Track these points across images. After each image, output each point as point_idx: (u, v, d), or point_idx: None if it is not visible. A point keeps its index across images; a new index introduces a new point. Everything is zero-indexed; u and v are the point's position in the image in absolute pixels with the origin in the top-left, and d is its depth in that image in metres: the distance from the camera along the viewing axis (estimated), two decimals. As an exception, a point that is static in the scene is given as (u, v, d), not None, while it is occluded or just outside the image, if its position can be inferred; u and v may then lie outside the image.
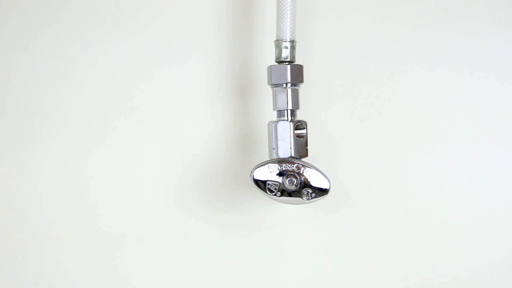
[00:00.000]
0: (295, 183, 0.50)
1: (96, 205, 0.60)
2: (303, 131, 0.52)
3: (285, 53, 0.51)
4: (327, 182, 0.49)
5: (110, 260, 0.60)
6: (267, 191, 0.50)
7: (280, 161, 0.50)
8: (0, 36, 0.59)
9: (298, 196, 0.50)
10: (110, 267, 0.60)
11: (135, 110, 0.59)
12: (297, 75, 0.51)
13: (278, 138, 0.51)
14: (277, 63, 0.51)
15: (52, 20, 0.59)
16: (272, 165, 0.50)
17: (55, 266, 0.60)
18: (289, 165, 0.50)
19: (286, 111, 0.51)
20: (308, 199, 0.50)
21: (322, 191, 0.50)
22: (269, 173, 0.50)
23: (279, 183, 0.50)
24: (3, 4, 0.59)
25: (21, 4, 0.59)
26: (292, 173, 0.50)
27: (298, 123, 0.51)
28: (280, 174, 0.50)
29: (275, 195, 0.50)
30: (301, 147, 0.51)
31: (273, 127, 0.51)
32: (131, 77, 0.59)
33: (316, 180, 0.50)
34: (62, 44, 0.59)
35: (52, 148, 0.59)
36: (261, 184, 0.50)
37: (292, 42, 0.51)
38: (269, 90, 0.53)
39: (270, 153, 0.52)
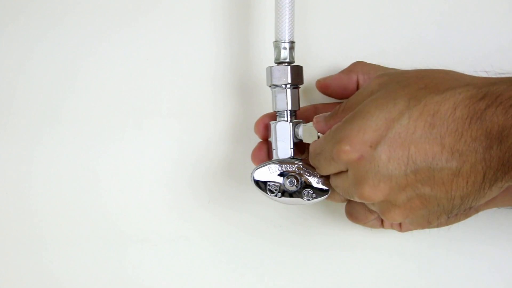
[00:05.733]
0: (295, 183, 0.50)
1: (97, 205, 0.60)
2: (303, 131, 0.52)
3: (284, 54, 0.51)
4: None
5: (111, 260, 0.60)
6: (268, 192, 0.50)
7: (281, 161, 0.50)
8: (4, 38, 0.59)
9: (299, 197, 0.50)
10: (111, 267, 0.60)
11: (135, 111, 0.59)
12: (297, 75, 0.51)
13: (278, 139, 0.51)
14: (276, 64, 0.51)
15: (54, 22, 0.59)
16: (273, 166, 0.50)
17: (55, 266, 0.60)
18: (290, 166, 0.50)
19: (285, 112, 0.51)
20: (308, 200, 0.50)
21: (322, 192, 0.50)
22: (270, 174, 0.50)
23: (280, 184, 0.50)
24: (6, 7, 0.59)
25: (23, 8, 0.59)
26: (292, 173, 0.50)
27: (298, 124, 0.51)
28: (281, 175, 0.50)
29: (276, 196, 0.50)
30: (301, 148, 0.51)
31: (272, 127, 0.51)
32: (131, 78, 0.59)
33: (316, 180, 0.50)
34: (64, 46, 0.59)
35: (52, 148, 0.59)
36: (262, 185, 0.50)
37: (291, 43, 0.51)
38: (268, 90, 0.53)
39: (270, 154, 0.52)
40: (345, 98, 0.48)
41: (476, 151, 0.40)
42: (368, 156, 0.42)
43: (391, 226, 0.52)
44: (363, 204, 0.50)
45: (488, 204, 0.50)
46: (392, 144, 0.41)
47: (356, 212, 0.51)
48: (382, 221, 0.52)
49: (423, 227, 0.46)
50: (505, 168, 0.40)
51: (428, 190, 0.42)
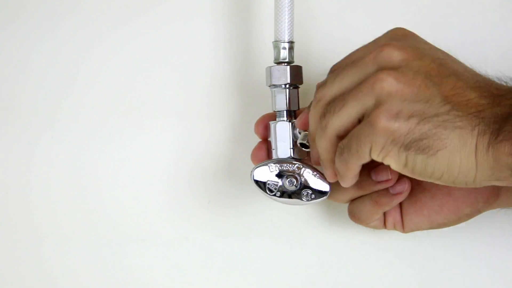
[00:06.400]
0: (295, 183, 0.50)
1: (96, 205, 0.60)
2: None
3: (284, 54, 0.51)
4: (327, 183, 0.49)
5: (111, 260, 0.60)
6: (267, 191, 0.50)
7: (280, 161, 0.50)
8: (4, 38, 0.59)
9: (298, 197, 0.50)
10: (110, 266, 0.60)
11: (134, 111, 0.59)
12: (296, 75, 0.51)
13: (278, 138, 0.51)
14: (275, 64, 0.51)
15: (54, 22, 0.59)
16: (272, 165, 0.50)
17: (54, 265, 0.60)
18: (289, 166, 0.50)
19: (285, 112, 0.51)
20: (307, 200, 0.50)
21: (322, 193, 0.50)
22: (269, 173, 0.50)
23: (279, 183, 0.50)
24: (6, 7, 0.59)
25: (23, 8, 0.59)
26: (292, 173, 0.50)
27: (297, 124, 0.51)
28: (280, 174, 0.50)
29: (275, 195, 0.50)
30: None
31: (272, 127, 0.51)
32: (130, 78, 0.59)
33: (316, 181, 0.50)
34: (64, 46, 0.59)
35: (52, 148, 0.59)
36: (261, 184, 0.50)
37: (291, 42, 0.51)
38: (268, 90, 0.53)
39: (270, 154, 0.52)
40: None
41: None
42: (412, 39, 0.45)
43: (394, 227, 0.52)
44: (366, 204, 0.50)
45: (491, 205, 0.50)
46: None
47: (359, 212, 0.51)
48: (384, 221, 0.52)
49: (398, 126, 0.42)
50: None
51: (438, 80, 0.42)
